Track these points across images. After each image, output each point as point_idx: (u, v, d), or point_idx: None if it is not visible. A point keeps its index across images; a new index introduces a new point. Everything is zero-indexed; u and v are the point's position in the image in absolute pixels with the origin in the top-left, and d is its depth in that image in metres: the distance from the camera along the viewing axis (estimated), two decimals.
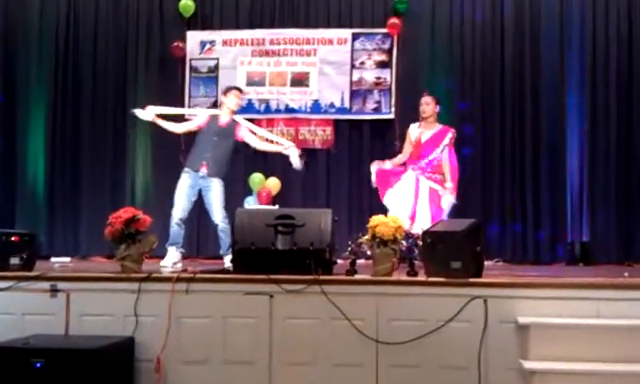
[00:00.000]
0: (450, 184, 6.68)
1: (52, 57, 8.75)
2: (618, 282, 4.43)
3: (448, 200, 6.63)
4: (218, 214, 6.39)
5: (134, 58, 8.73)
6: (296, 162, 6.42)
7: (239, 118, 6.80)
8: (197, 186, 6.46)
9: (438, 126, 6.91)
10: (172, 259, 6.22)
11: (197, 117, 6.91)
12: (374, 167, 6.88)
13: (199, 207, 8.46)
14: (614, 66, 8.08)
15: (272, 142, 6.87)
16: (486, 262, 4.78)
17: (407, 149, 6.95)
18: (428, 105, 6.89)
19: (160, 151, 8.51)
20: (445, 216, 6.51)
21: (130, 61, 8.73)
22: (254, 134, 6.79)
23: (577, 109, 8.11)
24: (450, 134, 6.85)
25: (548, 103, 8.12)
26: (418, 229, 6.05)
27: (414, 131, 6.94)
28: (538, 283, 4.41)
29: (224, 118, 6.62)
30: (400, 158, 7.00)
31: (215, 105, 8.65)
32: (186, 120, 7.23)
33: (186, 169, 6.50)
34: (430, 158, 6.75)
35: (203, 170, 6.41)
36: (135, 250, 4.66)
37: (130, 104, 8.58)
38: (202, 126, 6.64)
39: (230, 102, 6.63)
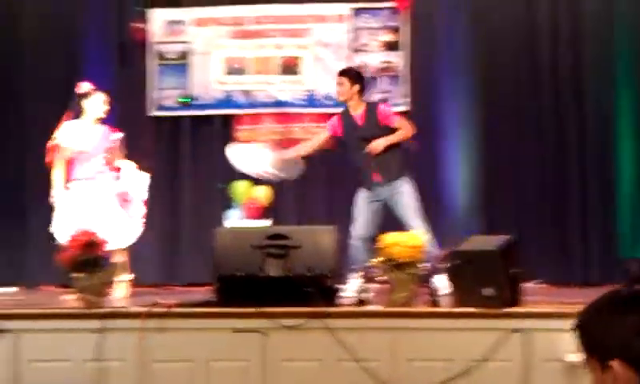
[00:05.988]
0: None
1: None
2: None
3: None
4: None
5: (86, 44, 8.72)
6: None
7: None
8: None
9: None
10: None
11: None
12: None
13: (171, 225, 8.56)
14: None
15: None
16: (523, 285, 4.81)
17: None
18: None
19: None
20: None
21: (82, 48, 8.71)
22: None
23: (629, 102, 8.16)
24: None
25: (595, 96, 8.16)
26: None
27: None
28: None
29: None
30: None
31: (189, 97, 8.67)
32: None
33: None
34: None
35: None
36: (96, 280, 4.69)
37: None
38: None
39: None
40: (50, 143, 6.72)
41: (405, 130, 6.60)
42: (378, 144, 6.41)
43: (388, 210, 6.37)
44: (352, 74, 6.81)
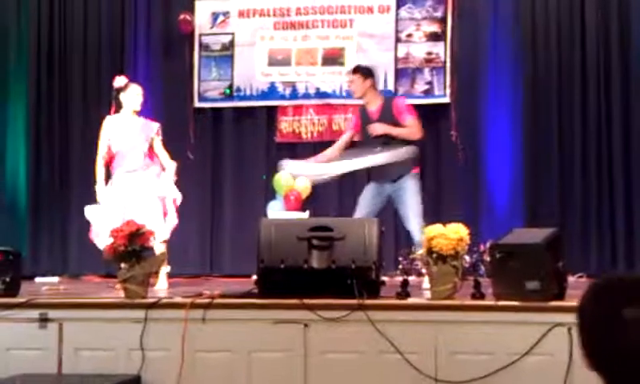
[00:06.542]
0: None
1: (33, 33, 8.85)
2: None
3: None
4: None
5: (132, 36, 8.80)
6: None
7: None
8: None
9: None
10: None
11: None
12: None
13: (212, 216, 8.61)
14: None
15: None
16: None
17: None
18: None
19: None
20: None
21: (128, 39, 8.80)
22: None
23: None
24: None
25: None
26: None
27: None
28: None
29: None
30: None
31: (231, 88, 8.70)
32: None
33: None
34: None
35: None
36: (139, 271, 4.72)
37: None
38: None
39: None
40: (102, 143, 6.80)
41: (411, 130, 6.59)
42: (380, 126, 6.45)
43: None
44: (362, 70, 6.89)
